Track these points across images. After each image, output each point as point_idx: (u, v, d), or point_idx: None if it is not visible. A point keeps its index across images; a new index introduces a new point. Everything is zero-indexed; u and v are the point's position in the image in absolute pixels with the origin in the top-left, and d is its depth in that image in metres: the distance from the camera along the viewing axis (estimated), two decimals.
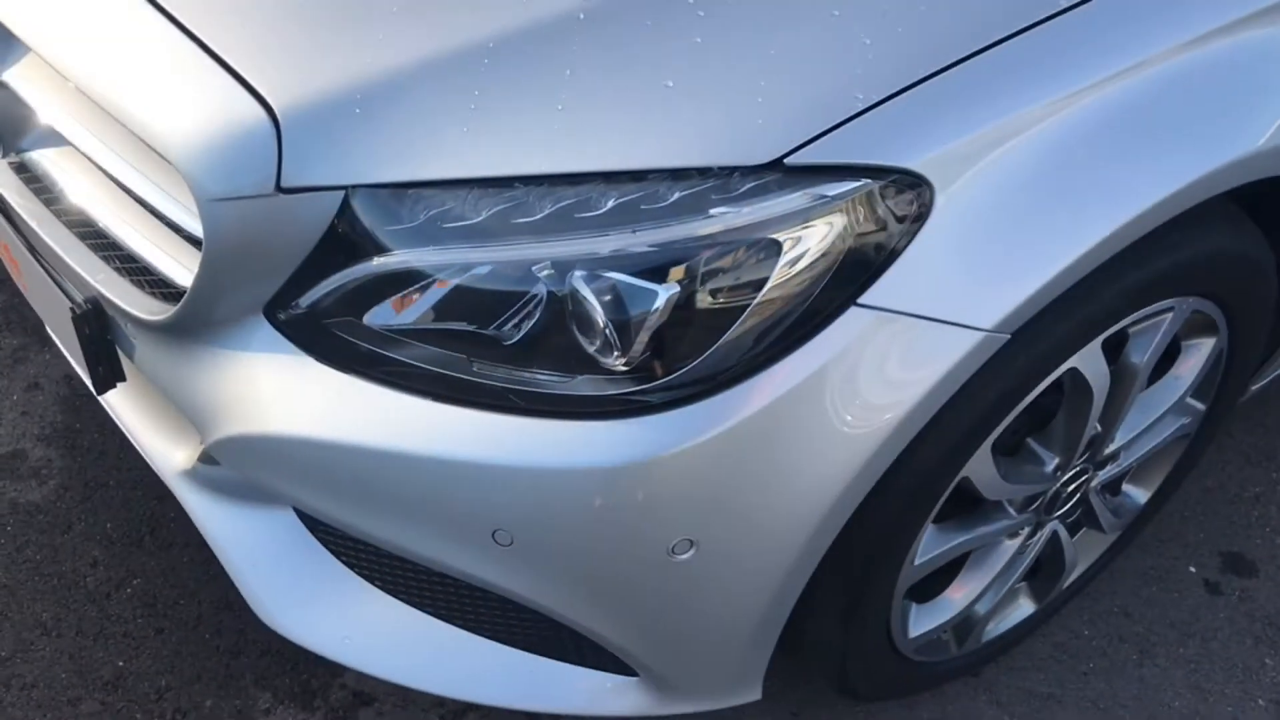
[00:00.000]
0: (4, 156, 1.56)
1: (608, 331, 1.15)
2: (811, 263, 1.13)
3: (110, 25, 1.29)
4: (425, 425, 1.23)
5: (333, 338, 1.28)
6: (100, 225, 1.43)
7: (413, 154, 1.18)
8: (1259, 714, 1.75)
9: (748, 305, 1.14)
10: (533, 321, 1.19)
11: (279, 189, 1.18)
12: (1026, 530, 1.57)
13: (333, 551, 1.49)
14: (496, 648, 1.45)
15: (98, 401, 1.87)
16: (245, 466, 1.36)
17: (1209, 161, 1.24)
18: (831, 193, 1.12)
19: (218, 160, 1.17)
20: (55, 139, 1.51)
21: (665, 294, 1.13)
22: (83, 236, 1.50)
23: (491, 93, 1.17)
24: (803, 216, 1.12)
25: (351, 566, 1.48)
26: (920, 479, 1.28)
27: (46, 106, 1.44)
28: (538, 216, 1.16)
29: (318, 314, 1.27)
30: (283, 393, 1.30)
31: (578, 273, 1.15)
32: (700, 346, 1.15)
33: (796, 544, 1.25)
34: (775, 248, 1.13)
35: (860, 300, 1.15)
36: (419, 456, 1.23)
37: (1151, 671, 1.79)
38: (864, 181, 1.12)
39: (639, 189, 1.13)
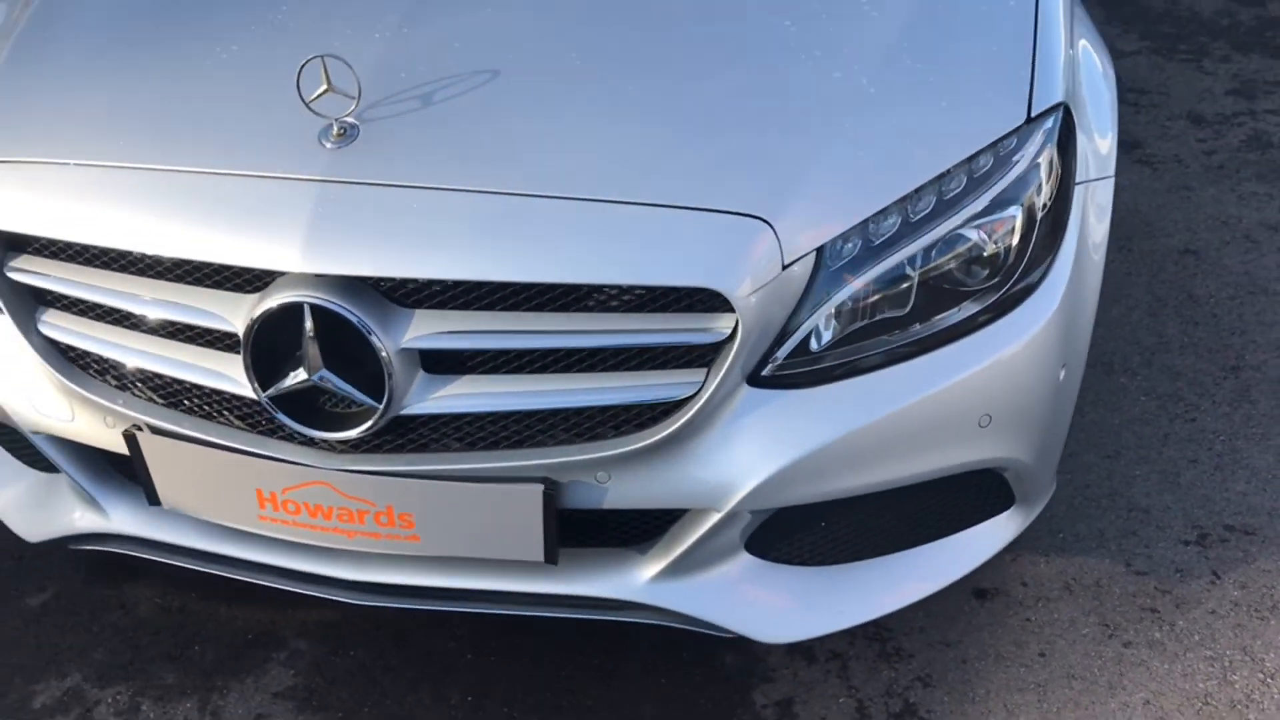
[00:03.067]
0: (363, 432, 1.75)
1: (996, 258, 1.80)
2: (1057, 171, 1.89)
3: (573, 231, 1.67)
4: (908, 381, 1.78)
5: (800, 371, 1.78)
6: (555, 407, 1.73)
7: (842, 204, 1.74)
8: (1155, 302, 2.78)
9: (1046, 205, 1.86)
10: (915, 290, 1.80)
11: (784, 268, 1.69)
12: None
13: (784, 561, 1.93)
14: (913, 553, 1.99)
15: (327, 688, 2.10)
16: (775, 499, 1.79)
17: None
18: (1048, 124, 1.88)
19: (744, 270, 1.65)
20: (436, 382, 1.75)
21: (1015, 220, 1.82)
22: (495, 445, 1.78)
23: (861, 142, 1.78)
24: (1045, 145, 1.87)
25: (802, 563, 1.94)
26: None
27: (469, 343, 1.71)
28: (924, 214, 1.78)
29: (790, 356, 1.76)
30: (788, 426, 1.77)
31: (966, 229, 1.79)
32: (1029, 244, 1.85)
33: (1087, 341, 1.98)
34: (1039, 170, 1.87)
35: (1076, 182, 1.93)
36: (919, 401, 1.78)
37: None
38: (1055, 115, 1.90)
39: (973, 166, 1.80)
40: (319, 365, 1.70)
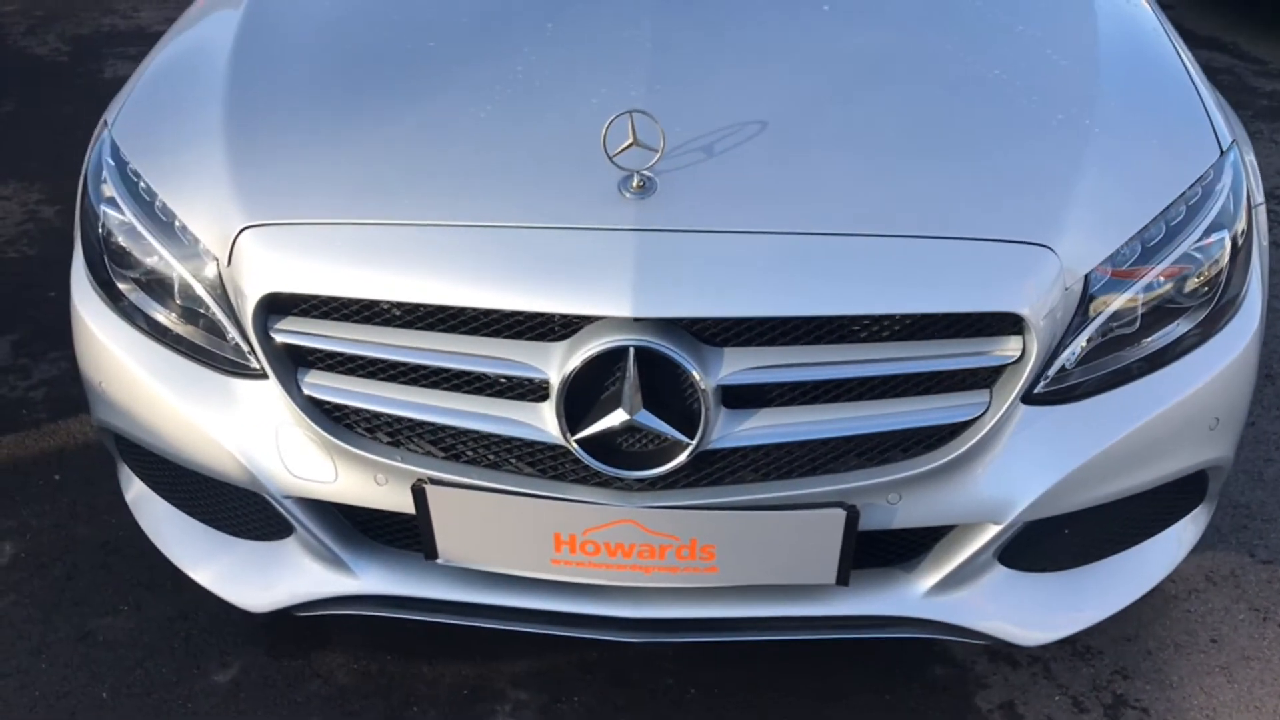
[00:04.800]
0: (673, 468, 1.81)
1: (1210, 278, 2.00)
2: (1246, 198, 2.10)
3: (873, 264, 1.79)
4: (1155, 392, 1.95)
5: (1058, 388, 1.93)
6: (850, 434, 1.83)
7: (1100, 232, 1.90)
8: None
9: (1243, 230, 2.07)
10: (1141, 314, 1.98)
11: (1065, 291, 1.85)
12: None
13: (1028, 569, 2.07)
14: (1131, 553, 2.16)
15: None
16: (1048, 509, 1.93)
17: None
18: (1232, 158, 2.11)
19: (1039, 294, 1.80)
20: (738, 416, 1.82)
21: (1224, 243, 2.02)
22: (789, 473, 1.86)
23: (1102, 176, 1.95)
24: (1234, 176, 2.09)
25: (1042, 569, 2.08)
26: None
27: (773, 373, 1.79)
28: (1156, 240, 1.96)
29: (1066, 376, 1.91)
30: (1060, 441, 1.91)
31: (1191, 252, 1.98)
32: (1233, 265, 2.05)
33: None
34: (1233, 198, 2.08)
35: (1255, 203, 2.15)
36: (1169, 408, 1.94)
37: None
38: (1234, 150, 2.13)
39: (1188, 196, 2.00)
40: (639, 406, 1.75)
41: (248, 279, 1.85)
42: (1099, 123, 2.04)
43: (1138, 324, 1.97)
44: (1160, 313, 1.99)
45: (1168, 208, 1.97)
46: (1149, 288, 1.95)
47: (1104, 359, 1.95)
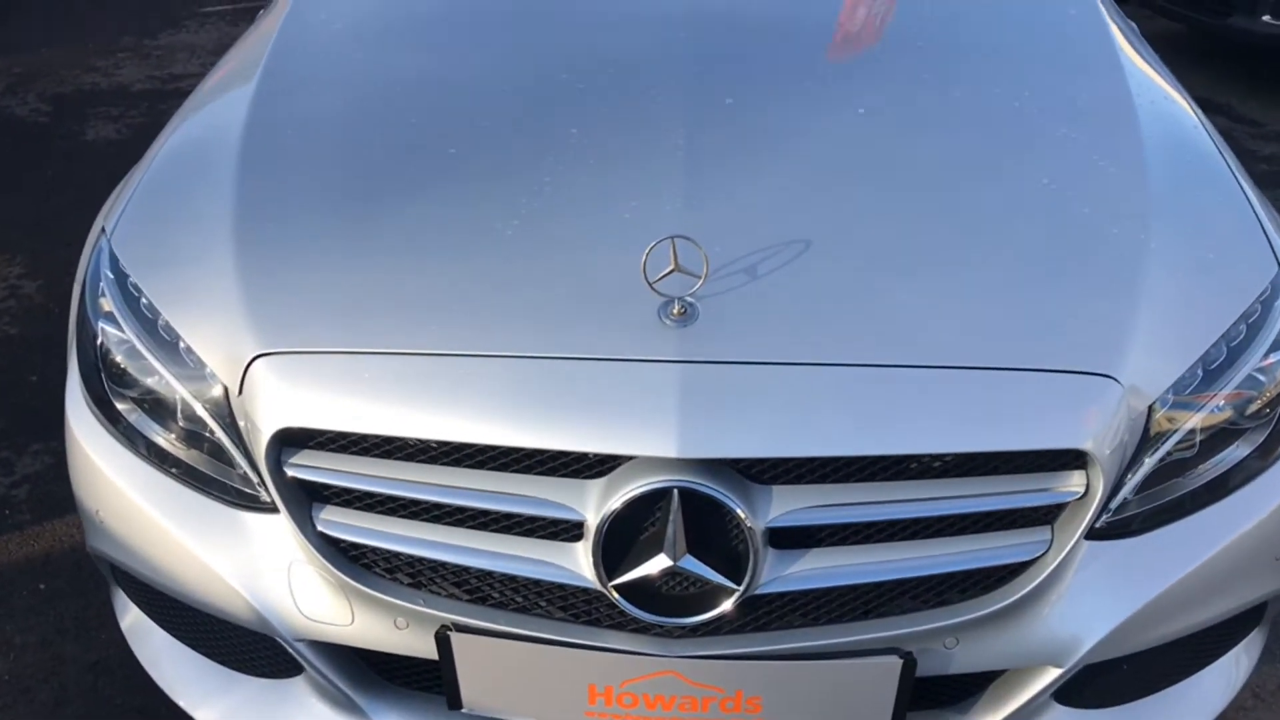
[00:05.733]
0: (718, 615, 1.69)
1: (1272, 399, 1.91)
2: None
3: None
4: (1222, 520, 1.85)
5: (1118, 519, 1.82)
6: (905, 577, 1.72)
7: (1164, 358, 1.79)
8: None
9: None
10: (1200, 440, 1.88)
11: (1129, 423, 1.74)
12: None
13: (1083, 706, 1.96)
14: (1189, 683, 2.05)
15: None
16: (1112, 651, 1.82)
17: None
18: None
19: (1105, 428, 1.70)
20: (787, 558, 1.71)
21: None
22: (840, 618, 1.75)
23: (1161, 297, 1.85)
24: None
25: (1099, 706, 1.97)
26: None
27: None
28: (1218, 363, 1.86)
29: (1124, 507, 1.81)
30: (1124, 578, 1.81)
31: (1254, 374, 1.89)
32: None
33: None
34: None
35: None
36: (1236, 539, 1.84)
37: None
38: None
39: (1247, 314, 1.90)
40: (684, 551, 1.64)
41: (261, 412, 1.73)
42: (1155, 237, 1.94)
43: (1196, 449, 1.86)
44: (1219, 435, 1.89)
45: (1229, 328, 1.87)
46: (1211, 412, 1.85)
47: (1162, 486, 1.85)
